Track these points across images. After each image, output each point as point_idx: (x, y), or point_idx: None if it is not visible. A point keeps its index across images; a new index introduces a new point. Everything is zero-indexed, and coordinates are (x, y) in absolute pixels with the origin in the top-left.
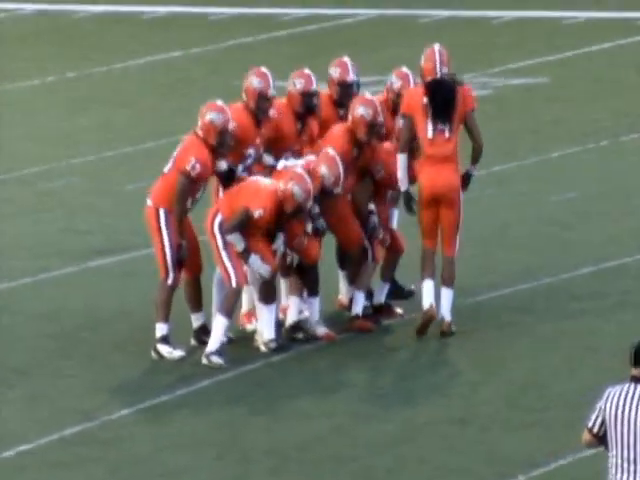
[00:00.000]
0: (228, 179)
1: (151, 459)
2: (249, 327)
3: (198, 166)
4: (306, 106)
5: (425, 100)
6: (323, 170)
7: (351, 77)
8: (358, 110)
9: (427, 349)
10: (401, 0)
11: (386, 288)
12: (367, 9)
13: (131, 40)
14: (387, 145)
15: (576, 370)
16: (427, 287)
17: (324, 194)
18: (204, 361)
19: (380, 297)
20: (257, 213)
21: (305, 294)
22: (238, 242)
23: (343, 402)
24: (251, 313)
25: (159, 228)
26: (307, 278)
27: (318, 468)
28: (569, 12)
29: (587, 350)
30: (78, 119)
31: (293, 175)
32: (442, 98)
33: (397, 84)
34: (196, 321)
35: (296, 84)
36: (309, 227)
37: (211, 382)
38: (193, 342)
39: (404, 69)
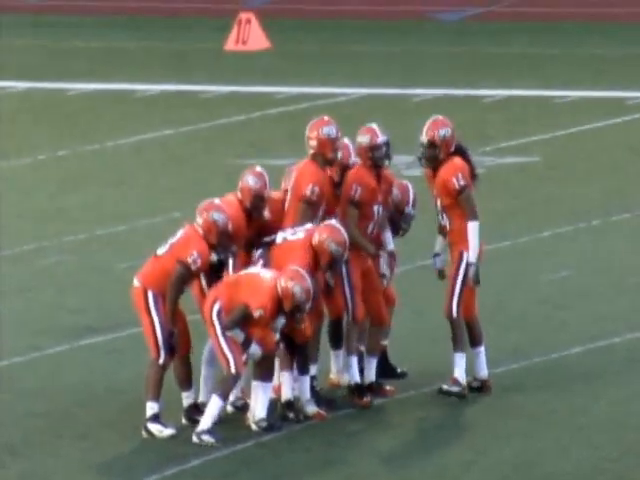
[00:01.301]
0: (218, 271)
1: None
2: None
3: (199, 261)
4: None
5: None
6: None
7: (381, 138)
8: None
9: (419, 429)
10: (394, 79)
11: (374, 363)
12: (360, 88)
13: (123, 118)
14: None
15: (567, 449)
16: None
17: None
18: (195, 439)
19: (370, 375)
20: (257, 313)
21: (295, 372)
22: (238, 335)
23: None
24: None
25: (148, 309)
26: (298, 356)
27: None
28: (560, 91)
29: (578, 429)
30: (70, 197)
31: (294, 274)
32: (474, 167)
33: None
34: (187, 399)
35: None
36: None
37: (201, 461)
38: (184, 421)
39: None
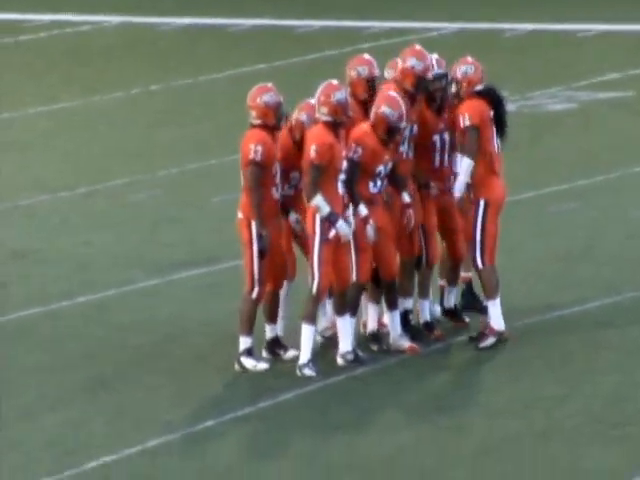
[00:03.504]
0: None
1: (234, 471)
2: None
3: (260, 148)
4: (372, 92)
5: (491, 113)
6: (385, 109)
7: (377, 71)
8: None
9: (510, 362)
10: (485, 14)
11: (453, 292)
12: (450, 23)
13: (216, 53)
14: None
15: None
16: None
17: (390, 132)
18: (298, 373)
19: (449, 302)
20: (313, 152)
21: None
22: (323, 206)
23: (426, 415)
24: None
25: (250, 241)
26: (386, 292)
27: None
28: None
29: None
30: (162, 132)
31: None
32: (504, 110)
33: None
34: (270, 332)
35: (360, 71)
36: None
37: (294, 395)
38: (264, 353)
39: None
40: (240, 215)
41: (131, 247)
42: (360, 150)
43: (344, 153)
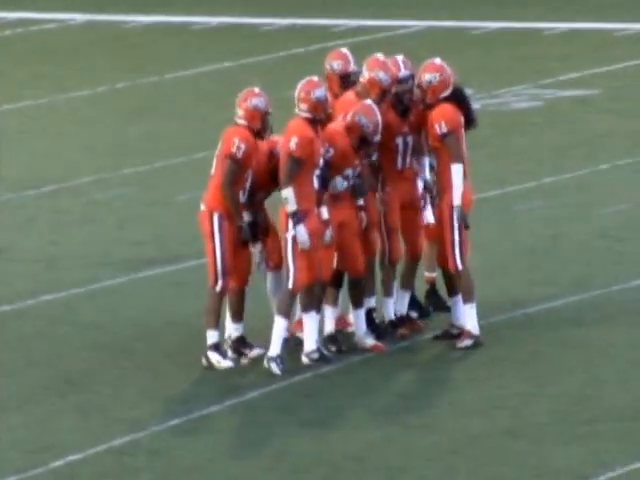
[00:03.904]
0: (253, 231)
1: (200, 469)
2: (300, 335)
3: (243, 145)
4: (345, 87)
5: (462, 117)
6: (362, 118)
7: (352, 67)
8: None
9: (478, 361)
10: (452, 12)
11: (406, 297)
12: (419, 20)
13: (182, 51)
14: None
15: (628, 382)
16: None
17: (363, 141)
18: (265, 364)
19: (401, 308)
20: (293, 143)
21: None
22: (291, 201)
23: (394, 413)
24: (300, 321)
25: (212, 233)
26: (352, 290)
27: (370, 478)
28: (621, 24)
29: (638, 362)
30: (129, 129)
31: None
32: (471, 111)
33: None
34: (235, 331)
35: (334, 66)
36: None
37: (259, 393)
38: (230, 353)
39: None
40: (203, 207)
41: (98, 245)
42: (331, 150)
43: (322, 150)
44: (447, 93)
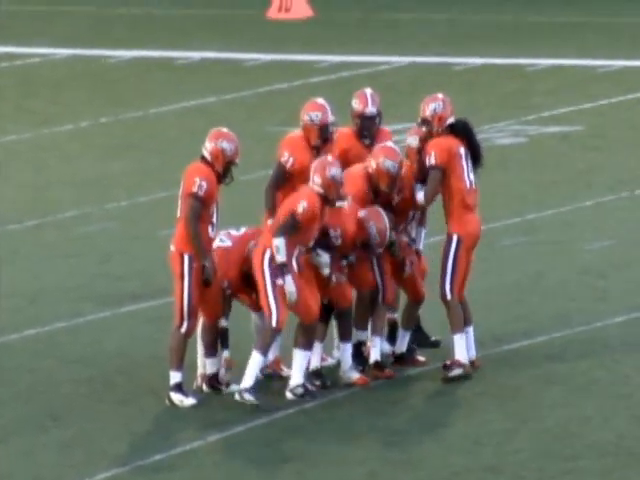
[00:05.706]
0: None
1: None
2: (284, 373)
3: (204, 184)
4: (323, 138)
5: (462, 148)
6: (387, 161)
7: (370, 109)
8: (384, 163)
9: (459, 396)
10: (436, 48)
11: (407, 336)
12: (402, 57)
13: (166, 86)
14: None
15: (610, 419)
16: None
17: (392, 184)
18: (237, 397)
19: (402, 346)
20: (300, 207)
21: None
22: (282, 252)
23: (377, 448)
24: (279, 360)
25: (182, 274)
26: (341, 322)
27: None
28: (604, 61)
29: (620, 398)
30: (112, 164)
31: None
32: (477, 143)
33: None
34: (211, 366)
35: (313, 117)
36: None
37: (243, 428)
38: (205, 388)
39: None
40: (172, 248)
41: (81, 279)
42: (340, 238)
43: (331, 232)
44: (452, 120)
